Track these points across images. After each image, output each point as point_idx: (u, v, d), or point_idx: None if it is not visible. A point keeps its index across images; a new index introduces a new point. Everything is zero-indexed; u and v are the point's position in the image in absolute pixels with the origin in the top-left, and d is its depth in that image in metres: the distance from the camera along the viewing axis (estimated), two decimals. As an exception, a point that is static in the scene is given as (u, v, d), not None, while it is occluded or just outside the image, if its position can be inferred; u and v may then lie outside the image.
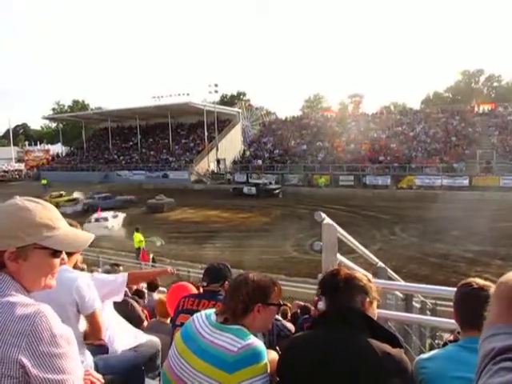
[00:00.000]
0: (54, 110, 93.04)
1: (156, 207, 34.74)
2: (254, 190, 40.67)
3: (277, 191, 40.42)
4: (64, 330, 1.26)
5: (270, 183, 42.49)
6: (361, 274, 1.99)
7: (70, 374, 1.22)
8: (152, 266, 18.17)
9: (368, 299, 1.87)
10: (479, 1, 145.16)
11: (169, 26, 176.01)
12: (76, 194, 39.53)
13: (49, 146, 78.56)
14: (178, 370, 1.89)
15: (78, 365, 1.29)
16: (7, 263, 1.30)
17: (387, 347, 1.71)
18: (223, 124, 57.70)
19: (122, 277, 3.31)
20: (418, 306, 5.53)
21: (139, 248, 19.44)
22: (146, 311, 5.91)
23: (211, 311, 2.02)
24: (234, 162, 52.59)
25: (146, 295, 6.42)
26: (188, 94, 57.50)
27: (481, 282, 1.86)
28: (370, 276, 2.11)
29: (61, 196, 39.02)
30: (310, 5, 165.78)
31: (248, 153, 53.45)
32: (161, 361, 3.48)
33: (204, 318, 1.96)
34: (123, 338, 3.29)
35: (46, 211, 1.40)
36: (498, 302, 0.99)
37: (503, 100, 51.15)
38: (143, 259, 18.73)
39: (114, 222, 28.45)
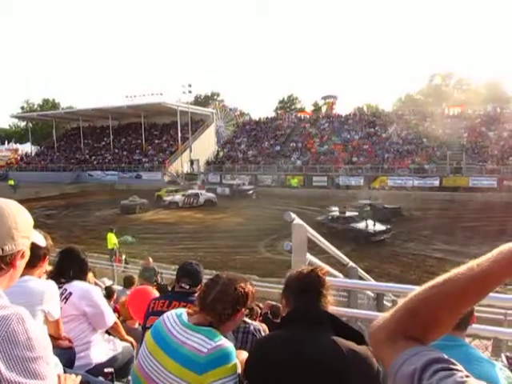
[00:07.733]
0: (22, 108, 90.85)
1: (128, 208, 34.37)
2: (227, 190, 40.66)
3: (250, 192, 40.44)
4: (40, 334, 1.21)
5: (244, 184, 42.49)
6: (325, 270, 1.99)
7: (42, 380, 1.17)
8: (124, 267, 17.97)
9: (328, 297, 1.89)
10: (450, 5, 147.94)
11: (142, 25, 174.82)
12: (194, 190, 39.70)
13: (17, 146, 76.64)
14: (148, 370, 1.87)
15: (52, 370, 1.24)
16: (15, 263, 1.30)
17: (353, 345, 1.71)
18: (197, 124, 57.42)
19: (113, 318, 3.30)
20: (389, 304, 5.60)
21: (113, 249, 19.23)
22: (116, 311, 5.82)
23: (182, 310, 2.01)
24: (208, 163, 52.39)
25: (116, 295, 6.31)
26: (161, 94, 56.85)
27: None
28: (326, 269, 2.10)
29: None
30: (283, 6, 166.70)
31: (222, 153, 53.33)
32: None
33: (175, 318, 1.95)
34: (101, 348, 3.22)
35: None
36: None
37: (472, 103, 52.27)
38: (116, 261, 18.53)
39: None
